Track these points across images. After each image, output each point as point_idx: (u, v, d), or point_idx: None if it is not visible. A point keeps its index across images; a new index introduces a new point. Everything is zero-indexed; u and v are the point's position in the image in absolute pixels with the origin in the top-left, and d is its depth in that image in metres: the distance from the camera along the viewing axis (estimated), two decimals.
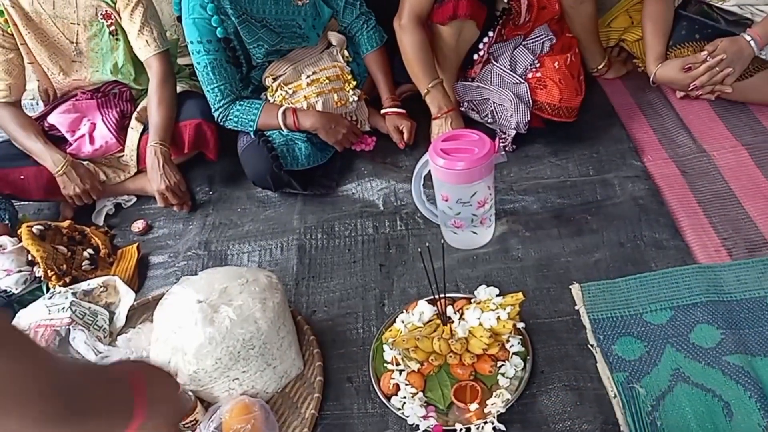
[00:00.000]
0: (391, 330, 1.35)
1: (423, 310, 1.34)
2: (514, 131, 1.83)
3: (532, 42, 1.89)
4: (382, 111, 1.95)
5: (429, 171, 1.51)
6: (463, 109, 1.94)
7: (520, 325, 1.30)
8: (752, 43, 1.66)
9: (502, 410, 1.20)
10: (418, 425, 1.22)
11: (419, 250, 1.43)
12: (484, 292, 1.34)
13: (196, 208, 1.96)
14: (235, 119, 1.85)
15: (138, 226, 1.92)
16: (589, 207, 1.63)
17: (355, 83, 1.96)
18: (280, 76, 1.91)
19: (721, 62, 1.66)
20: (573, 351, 1.32)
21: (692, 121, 1.82)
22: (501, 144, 1.84)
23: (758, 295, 1.35)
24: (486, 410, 1.22)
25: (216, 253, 1.77)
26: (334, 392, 1.34)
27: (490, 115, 1.88)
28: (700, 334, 1.29)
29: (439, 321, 1.32)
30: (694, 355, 1.26)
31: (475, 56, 1.91)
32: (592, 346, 1.31)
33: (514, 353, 1.28)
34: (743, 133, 1.76)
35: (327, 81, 1.91)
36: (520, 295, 1.29)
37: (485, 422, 1.20)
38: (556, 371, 1.28)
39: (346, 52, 2.00)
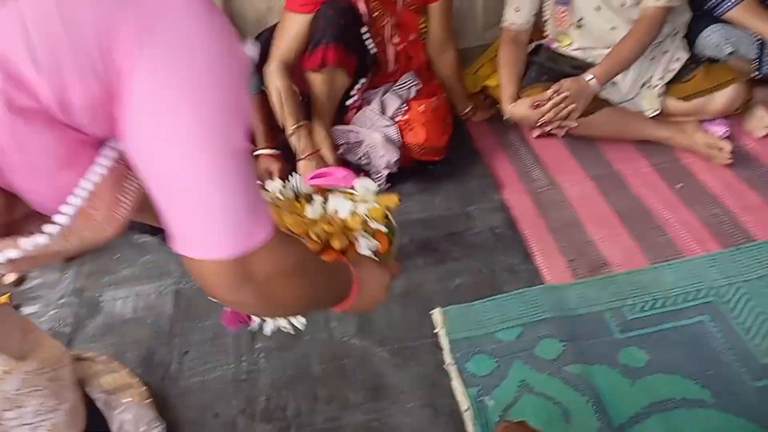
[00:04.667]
0: None
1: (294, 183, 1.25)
2: (387, 170, 1.93)
3: (400, 88, 2.02)
4: (255, 153, 2.01)
5: None
6: (340, 152, 2.03)
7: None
8: (592, 81, 1.84)
9: None
10: None
11: None
12: (361, 183, 1.25)
13: (73, 256, 1.94)
14: None
15: (10, 277, 1.87)
16: (452, 237, 1.74)
17: None
18: None
19: (565, 99, 1.83)
20: (432, 371, 1.39)
21: (546, 157, 1.99)
22: (376, 182, 1.94)
23: (597, 310, 1.48)
24: None
25: (89, 301, 1.75)
26: (198, 428, 1.35)
27: (364, 156, 1.97)
28: (545, 348, 1.39)
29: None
30: (539, 367, 1.36)
31: (349, 102, 2.02)
32: (448, 365, 1.39)
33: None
34: (590, 165, 1.93)
35: None
36: (394, 197, 1.21)
37: None
38: (415, 391, 1.35)
39: None
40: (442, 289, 1.59)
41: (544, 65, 2.01)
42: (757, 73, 1.97)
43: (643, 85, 1.97)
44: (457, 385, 1.35)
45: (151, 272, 1.81)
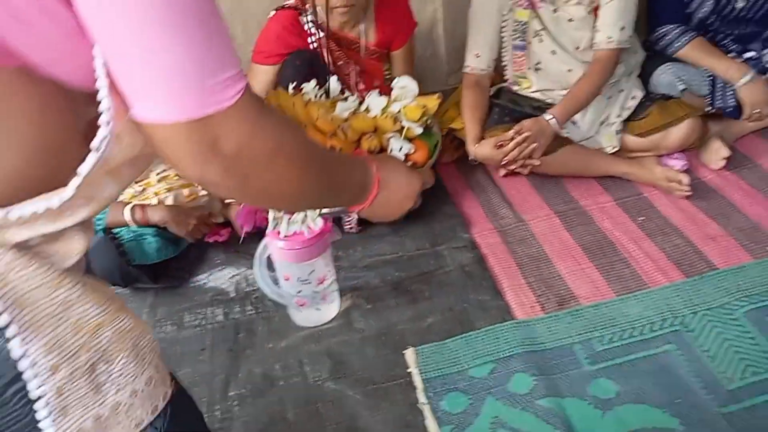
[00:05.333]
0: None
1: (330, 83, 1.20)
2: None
3: None
4: (226, 200, 2.03)
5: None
6: None
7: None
8: (552, 121, 1.90)
9: None
10: None
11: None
12: (399, 83, 1.18)
13: None
14: None
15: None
16: (424, 277, 1.76)
17: None
18: None
19: (527, 139, 1.89)
20: (405, 411, 1.40)
21: (513, 195, 2.04)
22: (346, 226, 1.97)
23: (567, 343, 1.50)
24: None
25: None
26: None
27: None
28: (517, 383, 1.41)
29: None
30: (512, 402, 1.37)
31: None
32: (422, 404, 1.40)
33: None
34: (555, 202, 1.98)
35: (177, 177, 1.98)
36: (433, 98, 1.13)
37: None
38: (389, 431, 1.35)
39: None
40: (415, 328, 1.61)
41: (507, 107, 2.08)
42: (710, 108, 2.06)
43: (602, 123, 2.05)
44: (430, 423, 1.35)
45: None
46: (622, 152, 2.04)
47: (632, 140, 2.02)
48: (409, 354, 1.52)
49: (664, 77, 2.06)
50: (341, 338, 1.63)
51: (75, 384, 0.56)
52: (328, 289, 1.65)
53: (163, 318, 1.79)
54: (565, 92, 1.96)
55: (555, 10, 1.94)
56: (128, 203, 1.88)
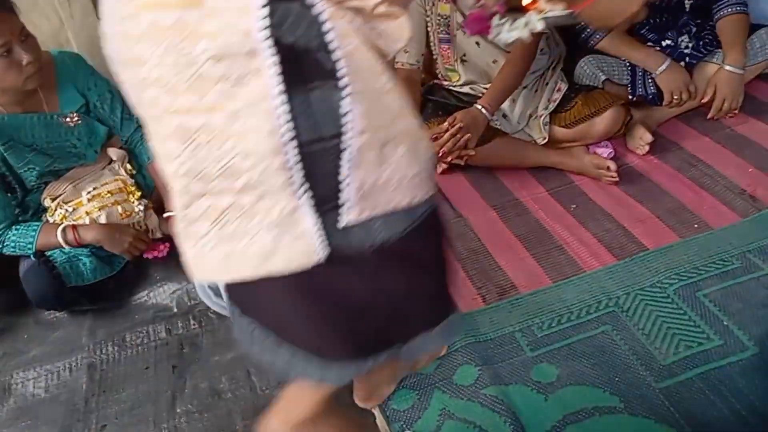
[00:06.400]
0: None
1: None
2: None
3: None
4: (165, 215, 1.99)
5: None
6: None
7: None
8: (483, 110, 1.94)
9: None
10: None
11: None
12: None
13: None
14: (12, 245, 1.80)
15: None
16: None
17: (140, 193, 2.00)
18: (59, 195, 1.91)
19: (460, 129, 1.92)
20: (354, 413, 1.40)
21: (451, 192, 2.07)
22: None
23: (508, 332, 1.54)
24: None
25: None
26: None
27: None
28: (462, 374, 1.44)
29: None
30: (457, 393, 1.40)
31: None
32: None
33: None
34: (492, 196, 2.03)
35: (109, 195, 1.94)
36: None
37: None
38: None
39: (128, 165, 2.05)
40: None
41: (439, 102, 2.12)
42: (631, 96, 2.14)
43: (531, 115, 2.10)
44: (380, 422, 1.36)
45: (62, 348, 1.75)
46: (552, 143, 2.10)
47: (560, 131, 2.08)
48: None
49: (586, 69, 2.13)
50: None
51: (369, 150, 0.73)
52: None
53: (103, 339, 1.75)
54: None
55: (475, 3, 1.98)
56: (60, 224, 1.83)
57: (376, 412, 1.39)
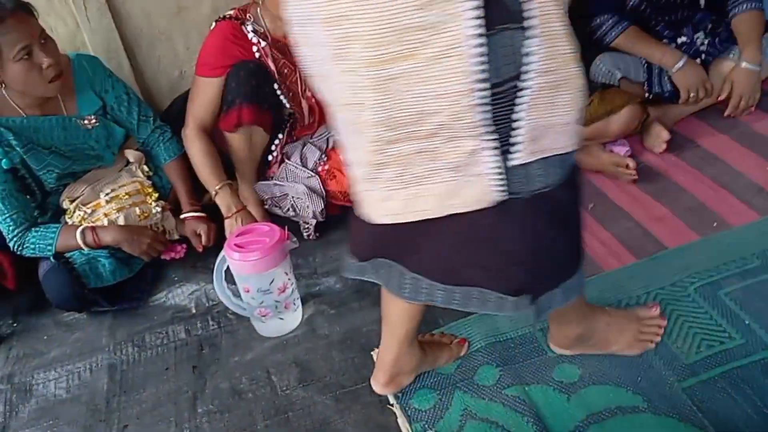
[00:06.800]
0: None
1: None
2: (314, 220, 1.96)
3: (318, 139, 2.07)
4: (181, 216, 2.00)
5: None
6: (266, 206, 2.05)
7: None
8: None
9: None
10: None
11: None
12: None
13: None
14: (32, 246, 1.81)
15: None
16: None
17: (157, 195, 2.01)
18: (77, 197, 1.93)
19: None
20: (376, 412, 1.41)
21: None
22: (304, 233, 1.97)
23: (528, 331, 1.53)
24: None
25: (20, 386, 1.68)
26: None
27: (291, 209, 2.00)
28: (483, 375, 1.43)
29: None
30: (479, 393, 1.39)
31: (270, 157, 2.05)
32: (391, 404, 1.41)
33: None
34: None
35: (127, 196, 1.95)
36: None
37: None
38: None
39: (145, 167, 2.06)
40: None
41: None
42: (647, 93, 2.13)
43: None
44: (402, 422, 1.36)
45: (83, 349, 1.76)
46: None
47: None
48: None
49: (602, 67, 2.12)
50: (307, 345, 1.63)
51: (543, 91, 0.80)
52: (290, 298, 1.64)
53: (123, 340, 1.76)
54: None
55: None
56: (79, 226, 1.84)
57: (397, 411, 1.39)
